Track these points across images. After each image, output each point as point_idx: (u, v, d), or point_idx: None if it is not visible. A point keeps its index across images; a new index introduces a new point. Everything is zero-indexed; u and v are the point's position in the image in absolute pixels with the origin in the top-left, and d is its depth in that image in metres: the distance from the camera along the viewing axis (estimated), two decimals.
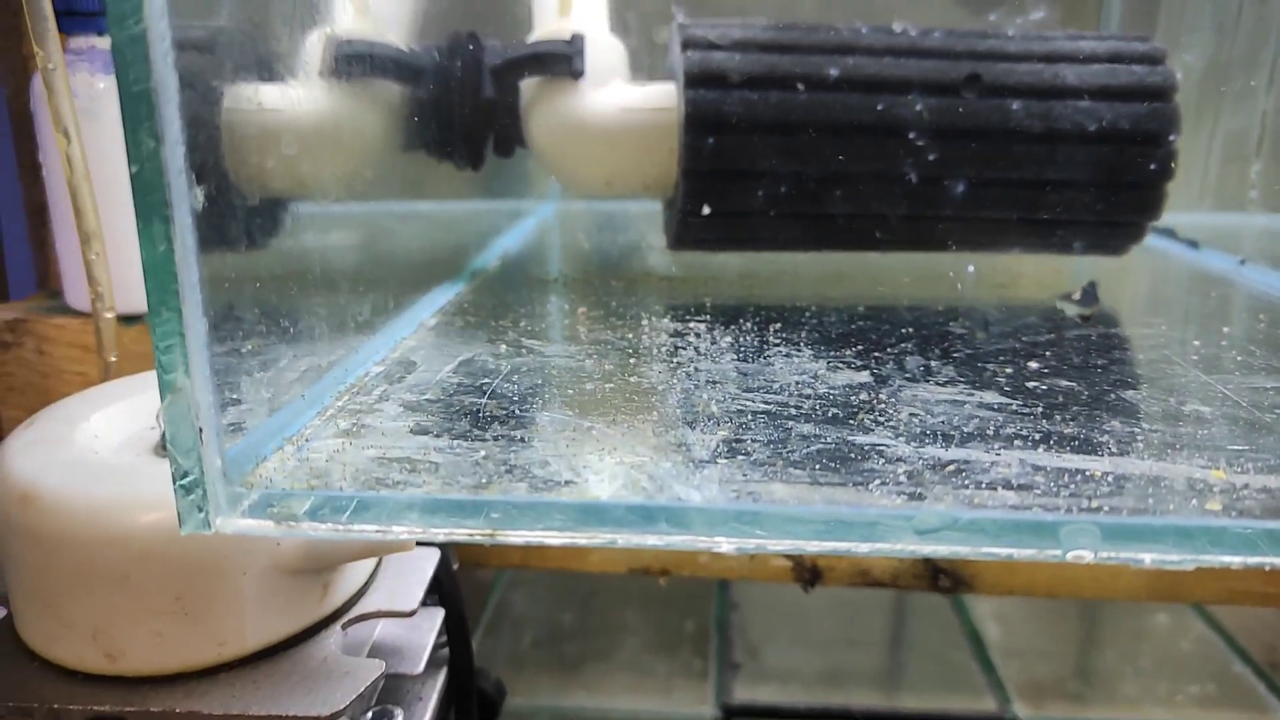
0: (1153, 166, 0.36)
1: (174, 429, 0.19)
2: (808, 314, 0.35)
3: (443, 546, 0.31)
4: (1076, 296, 0.34)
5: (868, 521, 0.19)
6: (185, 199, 0.19)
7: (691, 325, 0.33)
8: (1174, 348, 0.31)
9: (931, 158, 0.36)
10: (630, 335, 0.32)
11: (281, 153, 0.36)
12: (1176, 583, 0.38)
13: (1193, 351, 0.31)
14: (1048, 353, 0.30)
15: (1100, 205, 0.36)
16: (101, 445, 0.28)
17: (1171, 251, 0.46)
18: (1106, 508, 0.20)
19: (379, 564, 0.30)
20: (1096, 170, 0.36)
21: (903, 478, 0.21)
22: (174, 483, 0.20)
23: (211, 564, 0.25)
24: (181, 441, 0.20)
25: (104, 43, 0.36)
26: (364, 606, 0.28)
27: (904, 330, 0.33)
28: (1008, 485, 0.21)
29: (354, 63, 0.35)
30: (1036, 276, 0.41)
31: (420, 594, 0.29)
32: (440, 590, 0.32)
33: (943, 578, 0.37)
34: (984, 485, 0.21)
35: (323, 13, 0.37)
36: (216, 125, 0.28)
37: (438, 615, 0.31)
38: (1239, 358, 0.30)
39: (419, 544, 0.31)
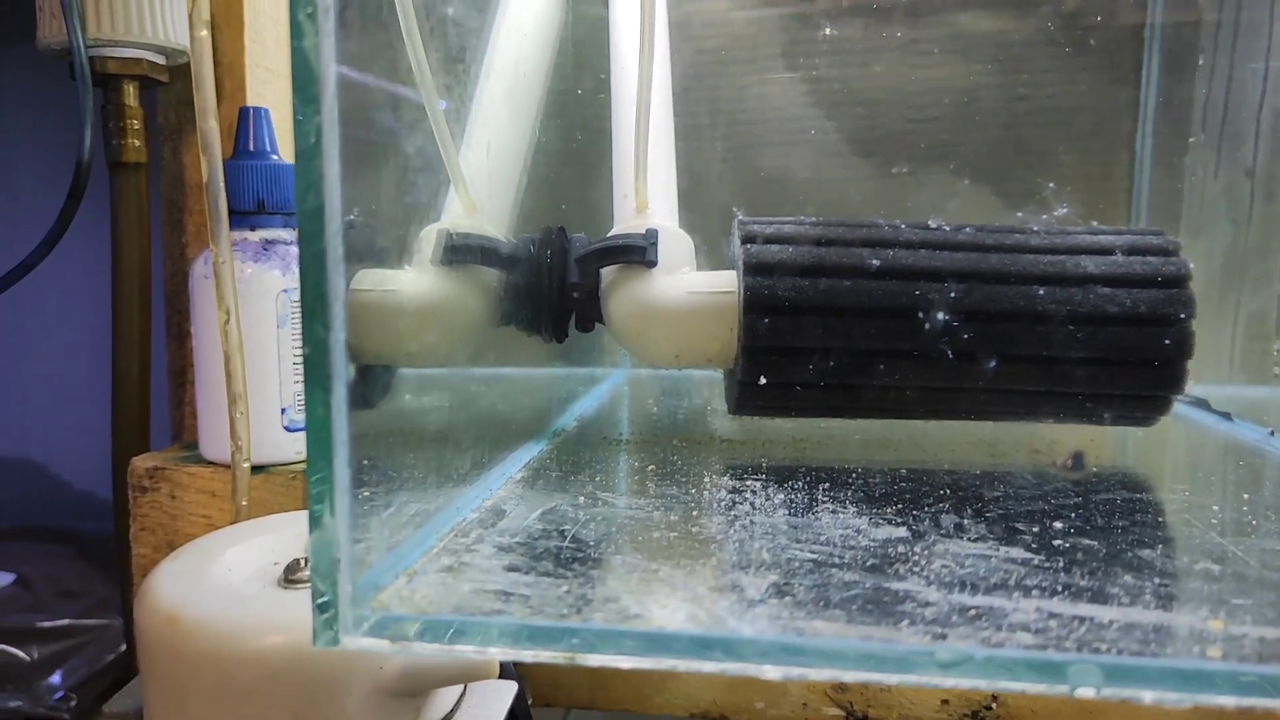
0: (1171, 346, 0.39)
1: (317, 558, 0.24)
2: (854, 475, 0.38)
3: (520, 680, 0.34)
4: (1069, 464, 0.37)
5: (897, 656, 0.22)
6: (342, 375, 0.24)
7: (748, 483, 0.37)
8: (1195, 512, 0.33)
9: (965, 338, 0.40)
10: (693, 491, 0.36)
11: (398, 327, 0.41)
12: None
13: (1213, 515, 0.33)
14: (1074, 514, 0.33)
15: (1125, 381, 0.40)
16: (234, 577, 0.32)
17: (1206, 423, 0.48)
18: (1112, 650, 0.23)
19: (464, 694, 0.33)
20: (1120, 350, 0.39)
21: (930, 620, 0.24)
22: (313, 602, 0.24)
23: (324, 685, 0.29)
24: (322, 569, 0.24)
25: (255, 236, 0.43)
26: None
27: (942, 491, 0.36)
28: (1025, 629, 0.24)
29: (460, 252, 0.41)
30: (1070, 445, 0.44)
31: None
32: None
33: None
34: (1003, 628, 0.24)
35: (438, 210, 0.43)
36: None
37: None
38: (1255, 521, 0.32)
39: (500, 677, 0.34)
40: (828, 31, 0.63)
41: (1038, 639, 0.23)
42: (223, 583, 0.32)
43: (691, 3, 0.65)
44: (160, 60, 0.46)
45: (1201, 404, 0.50)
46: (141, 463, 0.44)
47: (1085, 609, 0.25)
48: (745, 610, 0.25)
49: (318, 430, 0.23)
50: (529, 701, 0.37)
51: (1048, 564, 0.28)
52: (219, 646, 0.29)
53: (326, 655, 0.29)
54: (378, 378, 0.42)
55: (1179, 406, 0.52)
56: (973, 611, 0.25)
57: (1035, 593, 0.26)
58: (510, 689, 0.34)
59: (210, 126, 0.32)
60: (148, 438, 0.49)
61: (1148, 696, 0.21)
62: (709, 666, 0.23)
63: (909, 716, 0.39)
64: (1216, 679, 0.21)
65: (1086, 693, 0.21)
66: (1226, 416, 0.48)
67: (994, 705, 0.38)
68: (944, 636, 0.23)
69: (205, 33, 0.31)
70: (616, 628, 0.24)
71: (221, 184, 0.33)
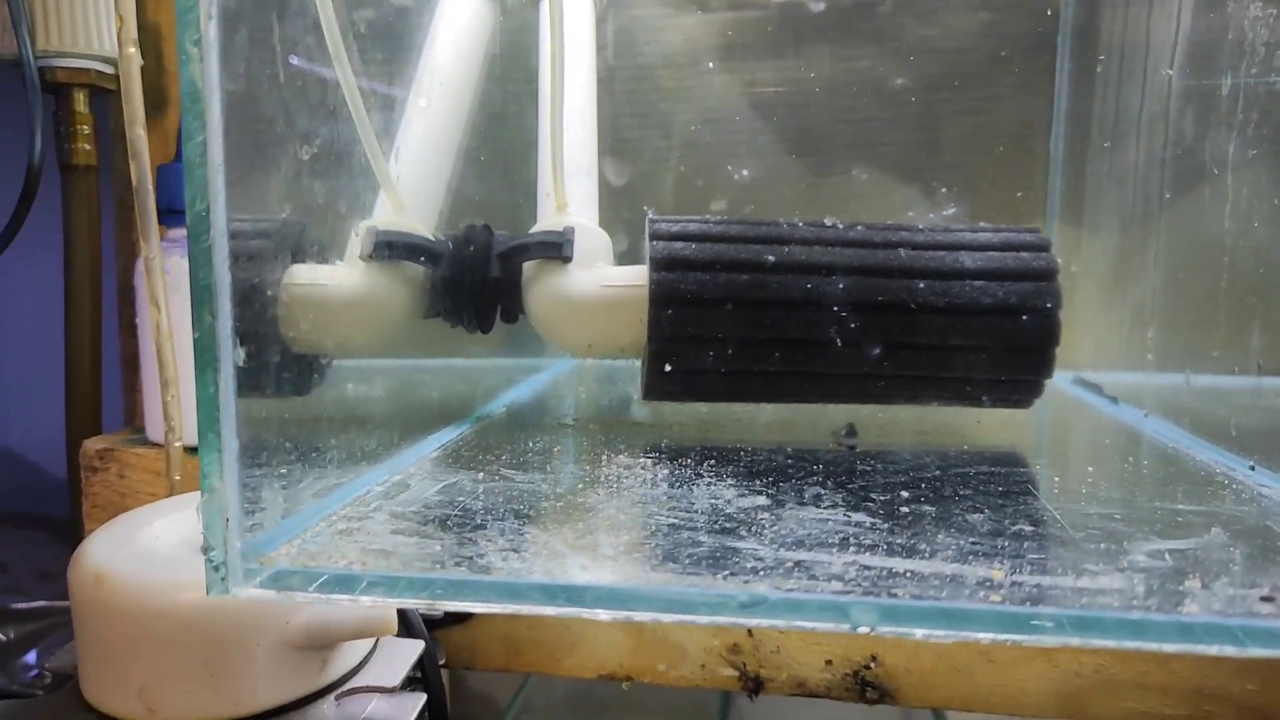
0: (1040, 335, 0.42)
1: (208, 518, 0.27)
2: (743, 453, 0.41)
3: (428, 640, 0.38)
4: (844, 433, 0.41)
5: (707, 600, 0.26)
6: (229, 358, 0.27)
7: (642, 460, 0.40)
8: (1038, 483, 0.37)
9: (853, 327, 0.43)
10: (589, 468, 0.39)
11: (327, 319, 0.45)
12: (1082, 700, 0.42)
13: (1054, 486, 0.36)
14: (926, 486, 0.36)
15: (998, 366, 0.43)
16: (160, 543, 0.36)
17: (1095, 405, 0.51)
18: (903, 595, 0.26)
19: (373, 650, 0.36)
20: (994, 338, 0.42)
21: (752, 571, 0.27)
22: (204, 555, 0.27)
23: (233, 636, 0.32)
24: (212, 527, 0.27)
25: None
26: (354, 683, 0.35)
27: (817, 467, 0.39)
28: (837, 578, 0.27)
29: (388, 248, 0.45)
30: (957, 426, 0.47)
31: (402, 675, 0.35)
32: (425, 678, 0.38)
33: (869, 690, 0.41)
34: (817, 578, 0.27)
35: (367, 209, 0.47)
36: (268, 299, 0.37)
37: (420, 699, 0.37)
38: (1085, 491, 0.35)
39: (410, 637, 0.37)
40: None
41: (845, 586, 0.26)
42: (149, 548, 0.35)
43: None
44: (109, 70, 0.49)
45: (1095, 388, 0.53)
46: (92, 444, 0.47)
47: (894, 562, 0.28)
48: (595, 565, 0.28)
49: (208, 407, 0.26)
50: (441, 663, 0.40)
51: (881, 527, 0.31)
52: (139, 602, 0.32)
53: (235, 610, 0.32)
54: (311, 366, 0.45)
55: (1077, 390, 0.56)
56: (792, 564, 0.28)
57: (856, 549, 0.29)
58: (416, 647, 0.37)
59: (138, 134, 0.35)
60: (100, 422, 0.52)
61: (918, 633, 0.25)
62: (551, 611, 0.26)
63: (797, 676, 0.42)
64: (975, 617, 0.25)
65: (864, 629, 0.25)
66: (1114, 400, 0.51)
67: (873, 665, 0.42)
68: (748, 583, 0.26)
69: (133, 49, 0.34)
70: (471, 578, 0.27)
71: (150, 188, 0.36)
